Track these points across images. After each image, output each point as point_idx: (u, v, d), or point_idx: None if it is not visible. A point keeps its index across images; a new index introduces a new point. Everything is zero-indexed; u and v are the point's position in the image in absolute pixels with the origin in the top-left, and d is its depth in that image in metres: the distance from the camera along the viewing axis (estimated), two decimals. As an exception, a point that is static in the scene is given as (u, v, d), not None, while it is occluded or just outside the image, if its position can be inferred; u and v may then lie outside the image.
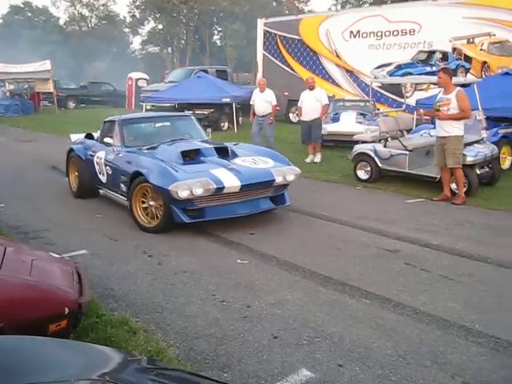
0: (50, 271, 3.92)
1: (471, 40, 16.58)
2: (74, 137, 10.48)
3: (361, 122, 14.60)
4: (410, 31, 17.83)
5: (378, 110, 15.03)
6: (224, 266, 5.91)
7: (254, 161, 7.70)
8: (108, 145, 8.37)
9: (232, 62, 53.30)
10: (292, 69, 21.17)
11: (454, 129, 8.57)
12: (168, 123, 9.30)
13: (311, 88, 12.56)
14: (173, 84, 23.17)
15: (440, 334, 4.31)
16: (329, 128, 14.61)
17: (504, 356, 3.97)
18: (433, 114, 9.40)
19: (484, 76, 15.76)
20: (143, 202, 7.31)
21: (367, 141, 11.08)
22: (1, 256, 3.77)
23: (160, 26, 63.11)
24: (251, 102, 13.34)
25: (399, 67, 17.93)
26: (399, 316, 4.64)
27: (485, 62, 16.40)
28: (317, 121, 12.59)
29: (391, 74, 17.95)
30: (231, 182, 6.91)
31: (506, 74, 13.01)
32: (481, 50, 16.47)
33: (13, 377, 1.79)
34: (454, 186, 9.10)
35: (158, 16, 61.70)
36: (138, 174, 7.21)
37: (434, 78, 15.11)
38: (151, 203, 7.18)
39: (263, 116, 12.94)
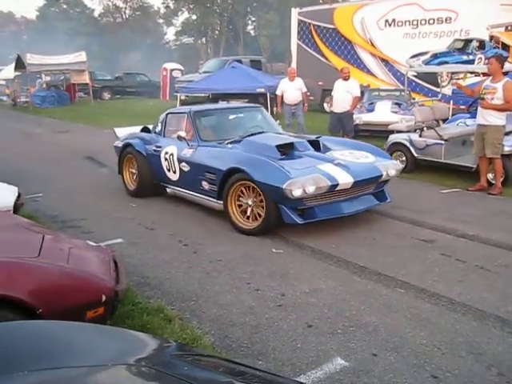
0: (87, 259, 3.99)
1: (509, 28, 16.27)
2: (120, 131, 9.99)
3: (396, 112, 14.48)
4: (446, 19, 17.58)
5: (414, 99, 14.87)
6: (259, 254, 5.94)
7: (353, 155, 7.21)
8: (180, 139, 7.68)
9: (266, 51, 53.21)
10: (326, 58, 21.05)
11: (495, 118, 8.43)
12: (242, 115, 8.78)
13: (346, 78, 12.15)
14: (207, 74, 23.25)
15: (476, 325, 4.27)
16: (364, 118, 14.53)
17: (541, 347, 3.92)
18: (468, 91, 9.30)
19: (522, 64, 15.45)
20: (239, 204, 6.78)
21: (402, 130, 10.97)
22: (39, 244, 3.85)
23: (194, 17, 63.40)
24: (278, 92, 13.26)
25: (435, 56, 17.69)
26: (434, 306, 4.61)
27: (519, 51, 16.09)
28: (347, 113, 12.19)
29: (427, 62, 17.71)
30: (344, 179, 6.44)
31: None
32: (519, 37, 16.16)
33: (49, 360, 1.83)
34: (490, 176, 8.98)
35: (191, 6, 61.97)
36: (234, 171, 6.64)
37: (471, 67, 14.98)
38: (249, 202, 6.62)
39: (295, 104, 12.87)
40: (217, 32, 64.49)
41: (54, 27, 57.83)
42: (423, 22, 18.18)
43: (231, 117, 8.60)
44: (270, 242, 6.32)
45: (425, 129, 10.21)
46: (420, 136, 10.17)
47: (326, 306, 4.61)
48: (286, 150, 7.09)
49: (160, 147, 8.15)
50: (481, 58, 16.76)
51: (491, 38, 16.67)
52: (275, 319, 4.36)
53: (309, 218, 6.40)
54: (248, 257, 5.86)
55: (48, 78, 30.57)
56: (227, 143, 7.49)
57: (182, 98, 21.49)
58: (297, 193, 6.04)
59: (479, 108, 8.71)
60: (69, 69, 28.66)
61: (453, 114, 12.62)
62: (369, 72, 19.88)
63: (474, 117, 10.25)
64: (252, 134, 7.68)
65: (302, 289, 4.97)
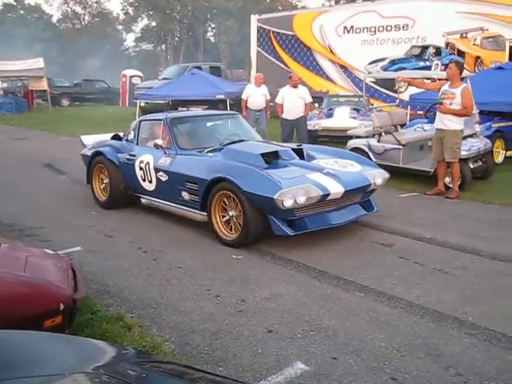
0: (44, 267, 3.93)
1: (464, 35, 16.66)
2: (87, 139, 9.61)
3: (355, 118, 14.65)
4: (403, 26, 17.89)
5: (372, 105, 15.06)
6: (219, 261, 5.92)
7: (339, 164, 7.03)
8: (157, 147, 7.41)
9: (226, 58, 53.30)
10: (286, 65, 21.20)
11: (454, 123, 8.59)
12: (219, 122, 8.54)
13: (295, 86, 12.19)
14: (167, 81, 23.18)
15: (434, 327, 4.33)
16: (323, 123, 14.66)
17: (497, 347, 4.00)
18: (409, 81, 9.46)
19: (477, 70, 15.80)
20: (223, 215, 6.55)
21: (361, 136, 11.10)
22: (-5, 253, 3.78)
23: (153, 23, 63.19)
24: (243, 97, 13.29)
25: (393, 62, 17.99)
26: (393, 309, 4.66)
27: (478, 57, 16.47)
28: (301, 119, 12.25)
29: (385, 69, 18.00)
30: (335, 188, 6.27)
31: (499, 68, 13.09)
32: (474, 44, 16.55)
33: (6, 370, 1.80)
34: (447, 180, 9.15)
35: (151, 13, 61.78)
36: (219, 180, 6.41)
37: (428, 73, 15.25)
38: (231, 214, 6.39)
39: (260, 110, 12.91)
40: (176, 39, 64.38)
41: (11, 33, 56.94)
42: (381, 29, 18.47)
43: (209, 124, 8.39)
44: (230, 249, 6.31)
45: (383, 134, 10.35)
46: (378, 141, 10.30)
47: (286, 310, 4.62)
48: (271, 159, 6.84)
49: (134, 156, 7.85)
50: (437, 64, 17.11)
51: (447, 44, 17.04)
52: (235, 325, 4.36)
53: (299, 230, 6.23)
54: (208, 263, 5.84)
55: (5, 85, 30.04)
56: (207, 151, 7.25)
57: (142, 104, 21.37)
58: (288, 203, 5.84)
59: (438, 113, 8.86)
60: (26, 75, 28.27)
61: (410, 120, 12.85)
62: (328, 78, 20.08)
63: (432, 122, 10.46)
64: (232, 142, 7.48)
65: (262, 294, 4.97)
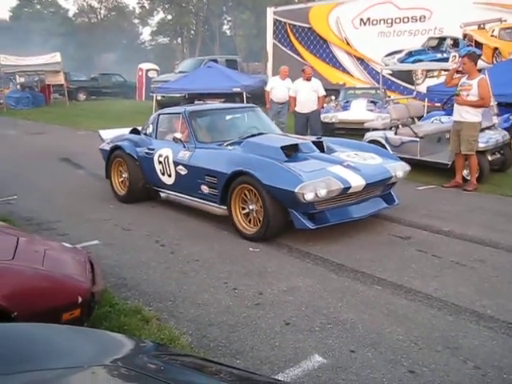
0: (62, 261, 3.96)
1: (482, 26, 16.47)
2: (106, 133, 9.64)
3: (371, 110, 14.57)
4: (420, 18, 17.73)
5: (389, 97, 14.97)
6: (236, 254, 5.93)
7: (359, 156, 6.94)
8: (176, 141, 7.38)
9: (242, 51, 53.19)
10: (302, 57, 21.11)
11: (471, 115, 8.52)
12: (238, 115, 8.44)
13: (308, 79, 12.11)
14: (183, 74, 23.21)
15: (452, 320, 4.31)
16: (339, 116, 14.60)
17: (516, 340, 3.98)
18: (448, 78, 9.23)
19: (495, 62, 15.64)
20: (243, 208, 6.51)
21: (378, 128, 11.04)
22: (14, 246, 3.81)
23: (169, 17, 63.21)
24: (267, 89, 13.28)
25: (410, 54, 17.84)
26: (411, 302, 4.64)
27: (496, 48, 16.29)
28: (315, 113, 12.22)
29: (402, 61, 17.86)
30: (356, 181, 6.19)
31: (517, 59, 12.93)
32: (492, 35, 16.36)
33: (26, 362, 1.81)
34: (465, 172, 9.08)
35: (167, 6, 61.79)
36: (239, 174, 6.36)
37: (445, 65, 15.14)
38: (251, 207, 6.36)
39: (282, 103, 12.87)
40: (192, 32, 64.37)
41: (28, 28, 57.24)
42: (398, 21, 18.32)
43: (228, 117, 8.28)
44: (247, 241, 6.31)
45: (400, 126, 10.28)
46: (395, 134, 10.24)
47: (304, 303, 4.62)
48: (290, 152, 6.77)
49: (153, 150, 7.81)
50: (455, 56, 16.92)
51: (464, 36, 16.86)
52: (253, 318, 4.37)
53: (320, 223, 6.16)
54: (225, 256, 5.86)
55: (22, 80, 30.25)
56: (226, 145, 7.18)
57: (158, 98, 21.40)
58: (309, 196, 5.77)
59: (455, 105, 8.79)
60: (43, 70, 28.40)
61: (428, 112, 12.74)
62: (344, 70, 19.99)
63: (449, 114, 10.38)
64: (252, 135, 7.39)
65: (279, 287, 4.98)
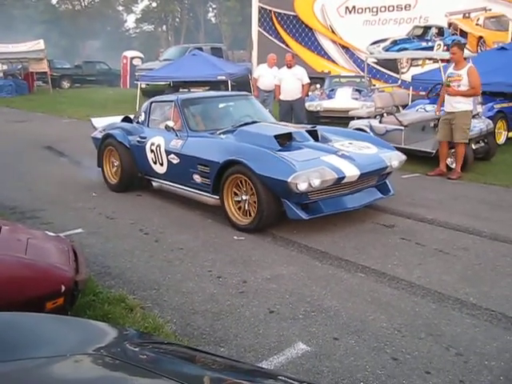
0: (45, 250, 3.94)
1: (467, 15, 16.52)
2: (98, 121, 9.48)
3: (356, 98, 14.57)
4: (405, 6, 17.72)
5: (374, 85, 15.00)
6: (220, 242, 5.93)
7: (354, 146, 6.85)
8: (168, 129, 7.23)
9: (227, 39, 53.03)
10: (287, 45, 21.02)
11: (464, 104, 8.59)
12: (231, 103, 8.29)
13: (289, 66, 12.00)
14: (167, 62, 23.03)
15: (435, 307, 4.35)
16: (324, 104, 14.59)
17: (497, 328, 4.01)
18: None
19: (480, 51, 15.70)
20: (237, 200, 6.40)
21: (363, 117, 11.05)
22: (-4, 235, 3.79)
23: (154, 4, 62.79)
24: (255, 76, 13.23)
25: (395, 43, 17.85)
26: (394, 290, 4.67)
27: (480, 37, 16.34)
28: (299, 100, 12.13)
29: (387, 49, 17.87)
30: (351, 171, 6.09)
31: (502, 48, 12.99)
32: (476, 24, 16.41)
33: (8, 351, 1.80)
34: (449, 160, 9.14)
35: (151, -7, 61.27)
36: (231, 163, 6.26)
37: (430, 53, 15.17)
38: (244, 198, 6.26)
39: (269, 91, 12.82)
40: (177, 19, 64.09)
41: (11, 15, 56.61)
42: (383, 9, 18.30)
43: (221, 105, 8.13)
44: (232, 230, 6.31)
45: (385, 115, 10.31)
46: (380, 122, 10.26)
47: (288, 291, 4.63)
48: (284, 141, 6.66)
49: (145, 138, 7.68)
50: (440, 45, 16.98)
51: (449, 24, 16.89)
52: (237, 306, 4.37)
53: (314, 213, 6.08)
54: (209, 244, 5.86)
55: (5, 67, 29.94)
56: (219, 133, 7.07)
57: (143, 86, 21.25)
58: (302, 186, 5.68)
59: (446, 96, 8.80)
60: (26, 57, 28.09)
61: (412, 100, 12.77)
62: (329, 59, 19.95)
63: (433, 103, 10.44)
64: (245, 124, 7.27)
65: (263, 275, 4.99)
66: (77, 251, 4.18)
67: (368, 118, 10.77)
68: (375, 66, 17.83)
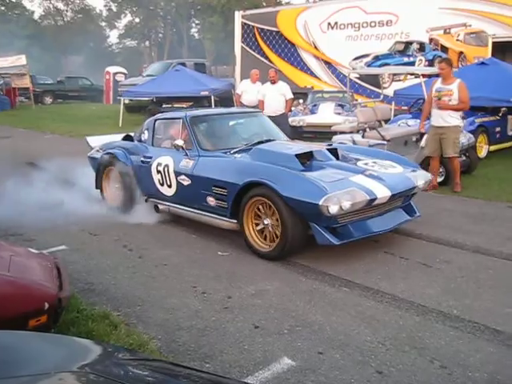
0: (28, 267, 3.91)
1: (447, 30, 16.72)
2: (94, 140, 9.08)
3: (339, 113, 14.67)
4: (387, 22, 17.90)
5: (356, 100, 15.10)
6: (205, 258, 5.93)
7: (379, 165, 6.46)
8: (177, 148, 6.77)
9: (210, 55, 53.18)
10: (270, 61, 21.14)
11: (454, 119, 8.72)
12: (242, 120, 7.83)
13: (273, 82, 12.05)
14: (151, 78, 23.07)
15: (418, 320, 4.37)
16: (307, 119, 14.67)
17: (481, 339, 4.05)
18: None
19: (460, 66, 15.89)
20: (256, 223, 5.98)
21: (345, 131, 11.10)
22: (-21, 252, 3.76)
23: (137, 20, 62.90)
24: (238, 92, 13.26)
25: (377, 58, 18.01)
26: (378, 303, 4.70)
27: (461, 52, 16.54)
28: (283, 116, 12.07)
29: (369, 64, 18.02)
30: (382, 192, 5.72)
31: (482, 63, 13.15)
32: (457, 40, 16.61)
33: (-8, 370, 1.79)
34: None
35: (134, 9, 61.50)
36: (252, 185, 5.85)
37: (412, 69, 15.31)
38: (266, 222, 5.84)
39: (253, 106, 12.81)
40: (160, 35, 64.24)
41: (-8, 30, 56.42)
42: (365, 25, 18.47)
43: (231, 123, 7.70)
44: (216, 245, 6.32)
45: (367, 129, 10.36)
46: (363, 137, 10.31)
47: (273, 306, 4.64)
48: (305, 160, 6.23)
49: (150, 158, 7.25)
50: (421, 60, 17.17)
51: (431, 40, 17.09)
52: (222, 321, 4.37)
53: (344, 238, 5.63)
54: (193, 260, 5.85)
55: (-13, 83, 29.83)
56: (233, 152, 6.64)
57: (126, 101, 21.26)
58: (333, 209, 5.26)
59: (436, 110, 8.85)
60: (8, 73, 28.05)
61: (395, 115, 12.87)
62: (312, 74, 20.07)
63: (416, 117, 10.54)
64: (259, 142, 6.87)
65: (248, 291, 4.99)
66: (60, 268, 4.16)
67: (351, 132, 10.82)
68: (358, 81, 17.97)
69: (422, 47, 17.27)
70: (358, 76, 17.67)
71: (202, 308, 4.64)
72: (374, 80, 17.32)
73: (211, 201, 6.40)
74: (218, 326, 4.30)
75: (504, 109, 12.44)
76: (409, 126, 10.87)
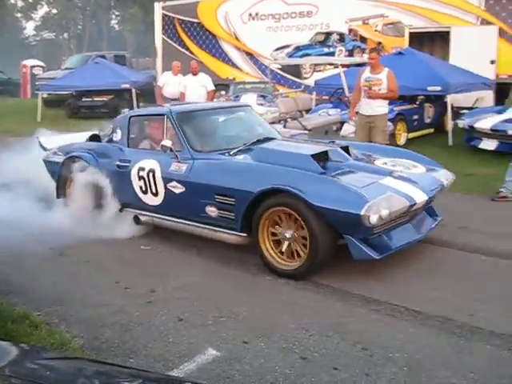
0: None
1: (366, 21, 17.10)
2: (49, 141, 7.82)
3: (261, 104, 14.73)
4: (307, 13, 18.11)
5: (278, 91, 15.23)
6: (127, 253, 5.86)
7: (400, 165, 5.79)
8: (164, 149, 5.82)
9: (131, 47, 52.42)
10: (192, 52, 21.00)
11: (383, 108, 8.91)
12: (231, 116, 7.01)
13: (194, 73, 12.06)
14: (70, 71, 22.52)
15: (341, 305, 4.49)
16: (230, 111, 14.68)
17: (400, 321, 4.20)
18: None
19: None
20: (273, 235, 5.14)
21: (267, 122, 11.18)
22: None
23: (54, 11, 61.21)
24: (159, 84, 13.09)
25: (298, 49, 18.21)
26: (302, 291, 4.77)
27: (379, 43, 16.93)
28: None
29: (290, 55, 18.20)
30: (419, 197, 5.13)
31: (400, 53, 13.52)
32: (375, 30, 17.02)
33: None
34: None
35: (51, 0, 59.78)
36: (271, 192, 5.00)
37: (332, 59, 15.60)
38: (287, 235, 5.00)
39: (175, 99, 12.70)
40: (79, 27, 62.77)
41: None
42: (285, 16, 18.63)
43: (221, 119, 6.85)
44: (138, 239, 6.23)
45: (289, 120, 10.49)
46: (284, 127, 10.41)
47: (197, 298, 4.63)
48: (320, 162, 5.39)
49: (128, 162, 6.28)
50: (341, 50, 17.49)
51: (350, 30, 17.43)
52: (146, 316, 4.33)
53: (384, 251, 4.94)
54: (116, 256, 5.78)
55: None
56: (233, 153, 5.79)
57: (44, 96, 20.67)
58: (374, 219, 4.57)
59: (365, 99, 8.97)
60: None
61: (316, 105, 13.07)
62: (234, 65, 20.09)
63: (337, 107, 10.73)
64: (258, 141, 6.08)
65: (172, 284, 4.97)
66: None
67: (272, 123, 10.90)
68: (279, 71, 18.12)
69: (341, 38, 17.59)
70: (279, 67, 17.83)
71: (125, 303, 4.59)
72: (295, 70, 17.55)
73: (212, 211, 5.50)
74: (142, 320, 4.27)
75: (421, 97, 12.85)
76: (329, 115, 11.07)
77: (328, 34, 17.87)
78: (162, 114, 6.27)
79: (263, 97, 15.29)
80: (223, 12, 20.07)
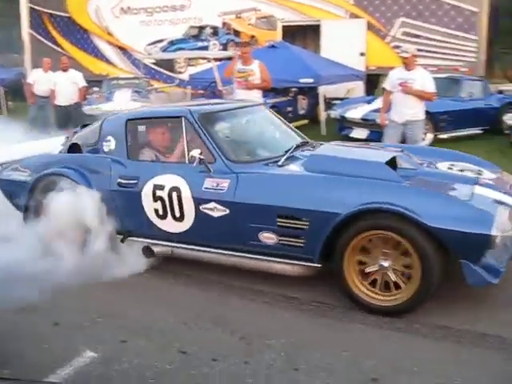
0: None
1: (239, 15, 17.31)
2: (5, 152, 6.17)
3: (136, 100, 14.55)
4: (180, 7, 18.10)
5: (152, 86, 15.10)
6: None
7: (468, 169, 4.99)
8: (192, 161, 4.69)
9: (-4, 42, 49.90)
10: (62, 48, 20.38)
11: (258, 98, 8.97)
12: (251, 116, 5.81)
13: (64, 69, 11.79)
14: None
15: (219, 297, 4.56)
16: (103, 107, 14.31)
17: (276, 308, 4.34)
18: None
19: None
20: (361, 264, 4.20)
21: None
22: None
23: None
24: (29, 81, 12.52)
25: (171, 43, 18.18)
26: (179, 286, 4.81)
27: (253, 36, 17.21)
28: (76, 105, 11.90)
29: (164, 50, 18.12)
30: None
31: (273, 46, 13.83)
32: (249, 24, 17.29)
33: None
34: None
35: None
36: (367, 212, 4.02)
37: (205, 53, 15.67)
38: (384, 264, 4.09)
39: (46, 97, 12.20)
40: None
41: None
42: (158, 10, 18.53)
43: (244, 121, 5.72)
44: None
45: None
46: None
47: (72, 301, 4.52)
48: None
49: (136, 179, 4.98)
50: (215, 44, 17.62)
51: (224, 24, 17.60)
52: (19, 324, 4.18)
53: (496, 274, 4.01)
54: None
55: None
56: (281, 164, 4.74)
57: None
58: (499, 239, 3.86)
59: (241, 91, 8.86)
60: None
61: (192, 98, 13.10)
62: (107, 61, 19.73)
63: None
64: (297, 147, 5.14)
65: (46, 289, 4.82)
66: None
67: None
68: (153, 66, 17.99)
69: (215, 31, 17.74)
70: (153, 61, 17.69)
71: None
72: (170, 65, 17.51)
73: (268, 238, 4.45)
74: (15, 329, 4.10)
75: (294, 89, 13.21)
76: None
77: (201, 28, 17.98)
78: (178, 116, 4.99)
79: (138, 92, 15.10)
80: (94, 6, 19.65)
